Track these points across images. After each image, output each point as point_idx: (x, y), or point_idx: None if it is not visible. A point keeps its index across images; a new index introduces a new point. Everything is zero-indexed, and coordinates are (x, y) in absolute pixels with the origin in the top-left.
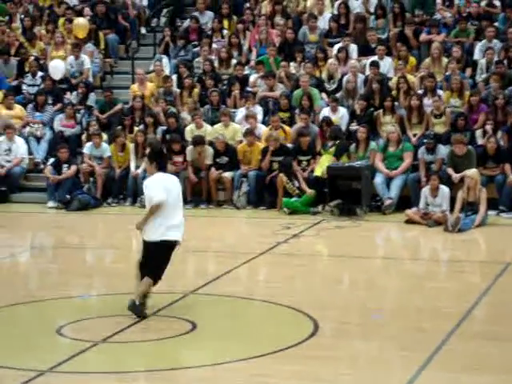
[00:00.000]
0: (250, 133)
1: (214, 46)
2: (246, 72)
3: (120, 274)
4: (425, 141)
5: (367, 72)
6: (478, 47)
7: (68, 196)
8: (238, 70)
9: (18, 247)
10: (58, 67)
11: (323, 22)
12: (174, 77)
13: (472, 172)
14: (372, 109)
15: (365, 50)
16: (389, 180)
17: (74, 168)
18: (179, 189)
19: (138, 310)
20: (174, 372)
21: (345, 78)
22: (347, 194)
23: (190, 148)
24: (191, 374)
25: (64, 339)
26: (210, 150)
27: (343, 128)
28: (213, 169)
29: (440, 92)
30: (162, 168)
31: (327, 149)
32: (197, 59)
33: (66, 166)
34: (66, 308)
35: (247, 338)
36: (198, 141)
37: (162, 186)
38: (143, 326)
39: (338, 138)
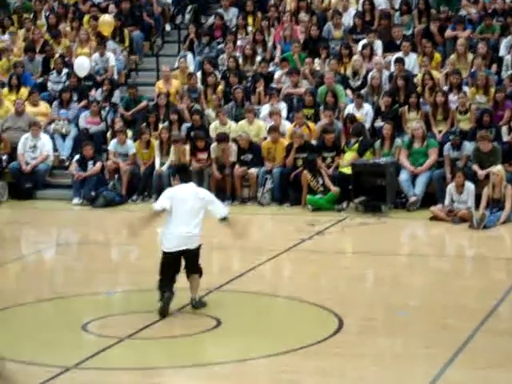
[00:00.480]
0: (274, 129)
1: (239, 42)
2: (271, 69)
3: (145, 271)
4: (450, 137)
5: (392, 68)
6: (504, 43)
7: (93, 193)
8: (263, 67)
9: (44, 244)
10: (83, 64)
11: (348, 19)
12: (199, 74)
13: (497, 169)
14: (397, 105)
15: (390, 47)
16: (414, 177)
17: (98, 165)
18: (195, 201)
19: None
20: (199, 368)
21: (370, 75)
22: (372, 191)
23: (213, 145)
24: (216, 370)
25: (89, 335)
26: (233, 147)
27: (368, 125)
28: (237, 166)
29: (465, 88)
30: (184, 181)
31: (350, 146)
32: (221, 56)
33: (91, 162)
34: (92, 304)
35: (272, 335)
36: (222, 138)
37: (169, 195)
38: (168, 323)
39: (361, 134)
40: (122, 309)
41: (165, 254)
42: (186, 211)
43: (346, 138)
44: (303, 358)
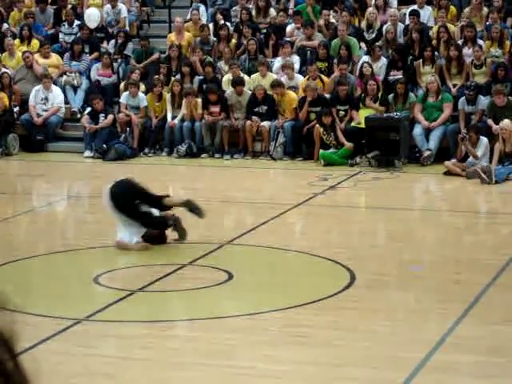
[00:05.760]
0: (277, 85)
1: None
2: (287, 20)
3: None
4: (465, 91)
5: (407, 21)
6: None
7: (105, 146)
8: (281, 17)
9: (55, 196)
10: (92, 15)
11: None
12: (211, 26)
13: (505, 123)
14: (411, 57)
15: None
16: (428, 131)
17: (110, 117)
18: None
19: None
20: (210, 321)
21: (384, 28)
22: (385, 145)
23: (229, 91)
24: (227, 324)
25: (100, 288)
26: (248, 93)
27: (381, 77)
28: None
29: (480, 42)
30: None
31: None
32: (234, 8)
33: (102, 115)
34: (103, 257)
35: (283, 289)
36: (238, 82)
37: None
38: (179, 276)
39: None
40: (133, 261)
41: None
42: None
43: (360, 89)
44: (315, 312)
